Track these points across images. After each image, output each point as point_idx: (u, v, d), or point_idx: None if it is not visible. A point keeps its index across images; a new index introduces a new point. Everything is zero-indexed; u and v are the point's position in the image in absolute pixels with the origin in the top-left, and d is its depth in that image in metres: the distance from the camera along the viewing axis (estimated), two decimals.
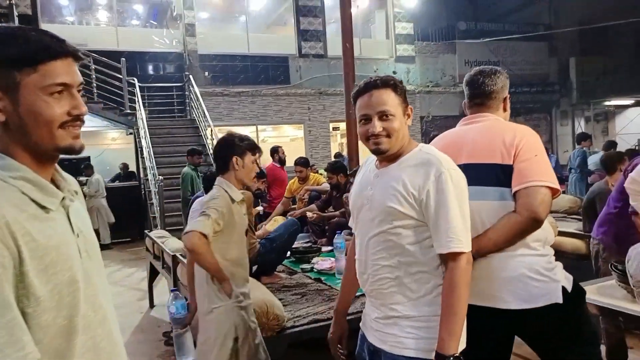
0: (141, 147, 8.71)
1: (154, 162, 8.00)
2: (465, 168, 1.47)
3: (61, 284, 0.86)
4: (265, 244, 3.35)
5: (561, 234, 3.89)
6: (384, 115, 1.42)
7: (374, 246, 1.45)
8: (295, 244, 3.98)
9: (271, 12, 12.85)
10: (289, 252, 3.78)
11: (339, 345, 1.69)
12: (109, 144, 12.25)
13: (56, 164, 0.97)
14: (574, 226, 4.36)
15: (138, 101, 9.07)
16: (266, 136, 12.20)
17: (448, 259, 1.35)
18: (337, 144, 13.13)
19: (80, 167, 8.41)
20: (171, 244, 4.12)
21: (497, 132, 1.68)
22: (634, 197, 2.24)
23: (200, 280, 2.14)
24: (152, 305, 4.92)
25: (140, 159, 8.99)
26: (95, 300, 0.94)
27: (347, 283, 1.72)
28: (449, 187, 1.34)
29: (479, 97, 1.81)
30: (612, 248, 2.92)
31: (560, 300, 1.57)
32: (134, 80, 9.39)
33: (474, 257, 1.41)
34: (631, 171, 2.32)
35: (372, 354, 1.50)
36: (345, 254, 3.20)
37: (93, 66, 8.82)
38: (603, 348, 2.24)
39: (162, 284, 4.84)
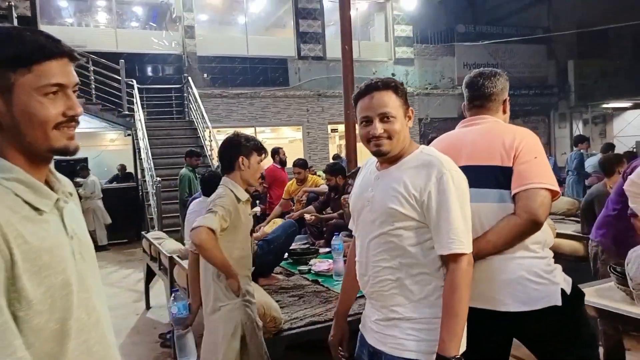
0: (139, 149, 8.69)
1: (152, 164, 7.98)
2: (465, 170, 1.46)
3: (54, 286, 0.85)
4: (262, 246, 3.34)
5: (559, 235, 3.89)
6: (385, 117, 1.42)
7: (374, 248, 1.44)
8: (293, 246, 3.98)
9: (270, 15, 12.85)
10: (286, 254, 3.77)
11: (339, 348, 1.68)
12: (107, 145, 12.22)
13: (51, 166, 0.96)
14: (572, 228, 4.37)
15: (136, 103, 9.05)
16: (265, 138, 12.17)
17: (449, 260, 1.35)
18: (336, 145, 13.13)
19: (76, 169, 8.38)
20: (168, 246, 4.11)
21: (496, 134, 1.68)
22: (633, 200, 2.24)
23: (207, 278, 2.13)
24: (148, 307, 4.91)
25: (138, 161, 8.98)
26: (88, 303, 0.93)
27: (347, 285, 1.72)
28: (451, 188, 1.34)
29: (479, 99, 1.80)
30: (611, 250, 2.92)
31: (559, 303, 1.57)
32: (132, 81, 9.37)
33: (473, 259, 1.41)
34: (630, 173, 2.32)
35: (371, 356, 1.50)
36: (343, 256, 3.20)
37: (92, 67, 8.80)
38: (601, 350, 2.23)
39: (159, 286, 4.82)
